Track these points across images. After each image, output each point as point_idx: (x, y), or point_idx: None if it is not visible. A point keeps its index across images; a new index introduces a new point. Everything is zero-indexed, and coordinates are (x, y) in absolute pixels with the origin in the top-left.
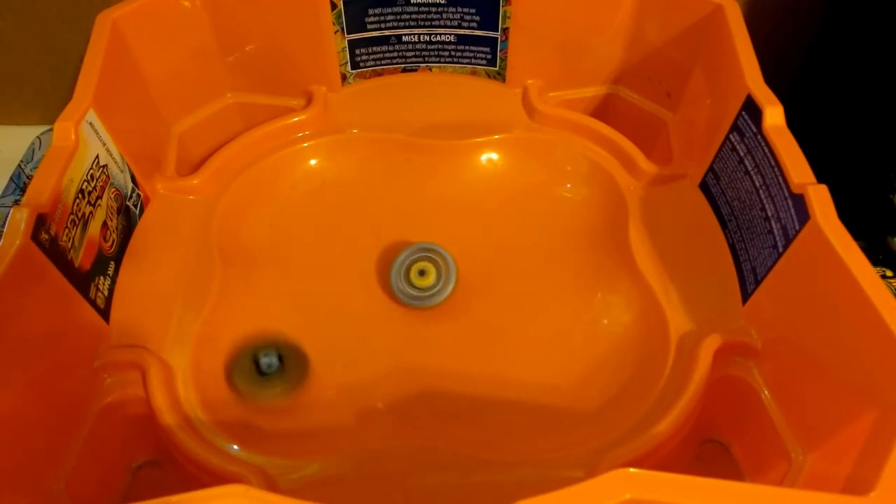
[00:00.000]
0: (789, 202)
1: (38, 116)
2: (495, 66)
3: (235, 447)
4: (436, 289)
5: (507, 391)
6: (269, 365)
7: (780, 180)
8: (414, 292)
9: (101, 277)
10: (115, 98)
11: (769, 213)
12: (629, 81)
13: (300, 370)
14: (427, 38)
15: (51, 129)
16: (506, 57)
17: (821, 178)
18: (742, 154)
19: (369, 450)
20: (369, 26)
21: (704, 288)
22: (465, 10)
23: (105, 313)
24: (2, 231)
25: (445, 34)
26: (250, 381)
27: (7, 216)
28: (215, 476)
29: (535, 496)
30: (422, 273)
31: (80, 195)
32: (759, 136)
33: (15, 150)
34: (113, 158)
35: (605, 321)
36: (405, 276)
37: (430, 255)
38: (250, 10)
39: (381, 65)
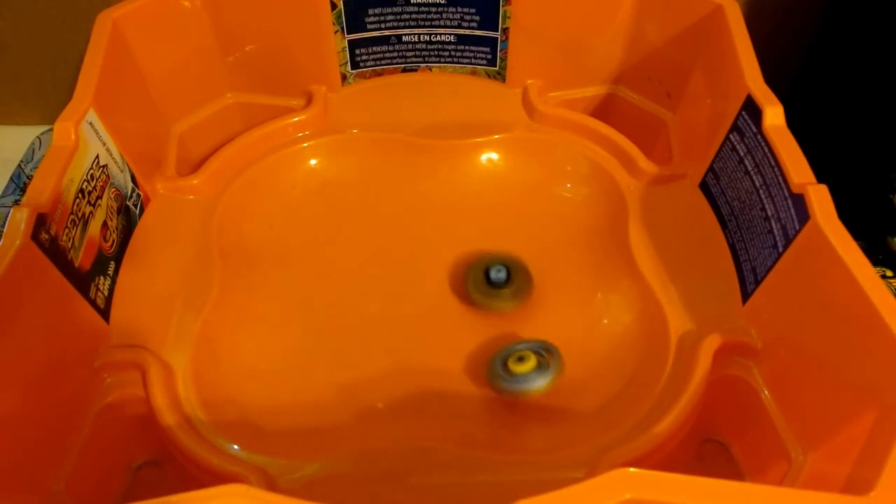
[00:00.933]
0: (789, 202)
1: (38, 116)
2: (495, 66)
3: (235, 447)
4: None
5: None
6: (499, 276)
7: (780, 180)
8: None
9: (101, 277)
10: (116, 98)
11: (769, 213)
12: (629, 81)
13: (526, 282)
14: (427, 37)
15: (51, 129)
16: (506, 57)
17: (821, 178)
18: (742, 154)
19: (369, 449)
20: (369, 26)
21: (704, 288)
22: (465, 9)
23: (105, 313)
24: (2, 231)
25: (445, 34)
26: (483, 291)
27: (7, 216)
28: (215, 476)
29: (535, 496)
30: (521, 360)
31: (80, 195)
32: (759, 136)
33: (15, 150)
34: (113, 158)
35: (606, 321)
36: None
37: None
38: (250, 10)
39: (381, 65)
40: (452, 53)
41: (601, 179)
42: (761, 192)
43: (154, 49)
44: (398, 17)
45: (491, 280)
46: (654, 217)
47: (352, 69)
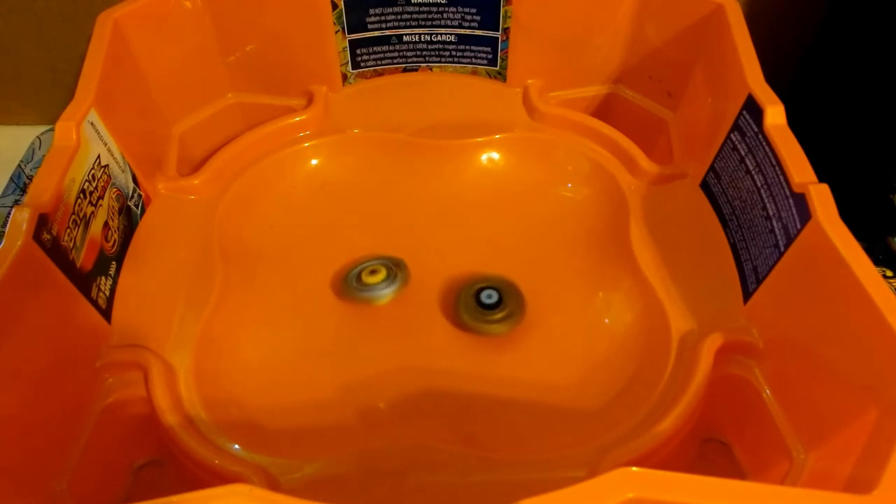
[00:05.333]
0: (790, 201)
1: (37, 116)
2: (496, 66)
3: (237, 447)
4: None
5: (509, 390)
6: (490, 298)
7: (782, 179)
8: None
9: (103, 277)
10: (117, 98)
11: (770, 213)
12: (630, 81)
13: (518, 302)
14: (428, 37)
15: (51, 129)
16: (506, 56)
17: (820, 179)
18: (743, 153)
19: (370, 449)
20: (370, 26)
21: (706, 287)
22: (466, 9)
23: (107, 313)
24: (3, 231)
25: (446, 34)
26: (475, 315)
27: (7, 216)
28: (217, 476)
29: (537, 496)
30: (373, 272)
31: (81, 195)
32: (760, 136)
33: (15, 150)
34: (114, 158)
35: (607, 320)
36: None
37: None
38: (251, 10)
39: (382, 65)
40: (453, 53)
41: (602, 179)
42: (762, 191)
43: (155, 49)
44: (399, 16)
45: (482, 304)
46: (656, 216)
47: (352, 69)
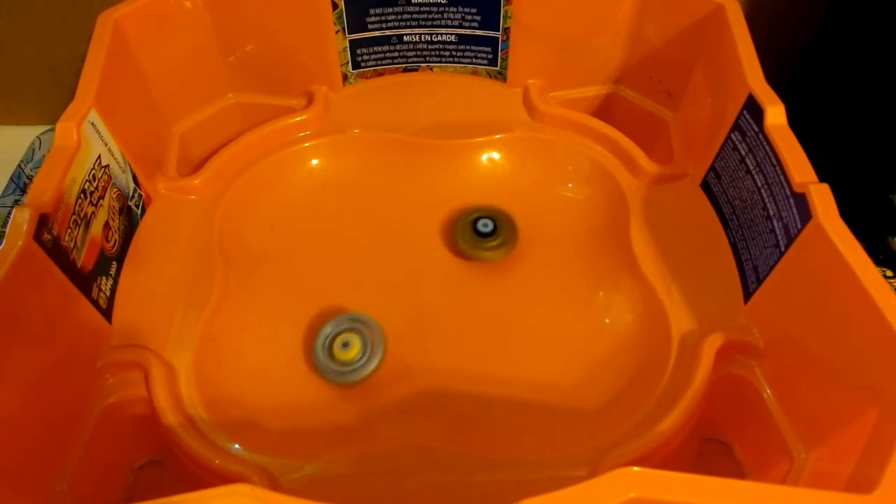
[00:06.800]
0: (791, 201)
1: (37, 116)
2: (496, 66)
3: (238, 447)
4: (360, 362)
5: (509, 390)
6: (486, 226)
7: (782, 179)
8: (336, 367)
9: (103, 277)
10: (117, 98)
11: (771, 213)
12: (630, 81)
13: (512, 231)
14: (428, 37)
15: (51, 129)
16: (507, 57)
17: (821, 179)
18: (743, 153)
19: (370, 449)
20: (370, 26)
21: (706, 287)
22: (467, 9)
23: (107, 313)
24: (3, 232)
25: (446, 34)
26: (471, 241)
27: (7, 216)
28: (218, 475)
29: (538, 495)
30: (345, 345)
31: (82, 195)
32: (760, 136)
33: (15, 150)
34: (115, 158)
35: (607, 320)
36: (328, 350)
37: (356, 325)
38: (251, 9)
39: (382, 65)
40: (453, 53)
41: (602, 179)
42: (763, 191)
43: (155, 49)
44: (399, 16)
45: (478, 231)
46: (656, 216)
47: (353, 69)
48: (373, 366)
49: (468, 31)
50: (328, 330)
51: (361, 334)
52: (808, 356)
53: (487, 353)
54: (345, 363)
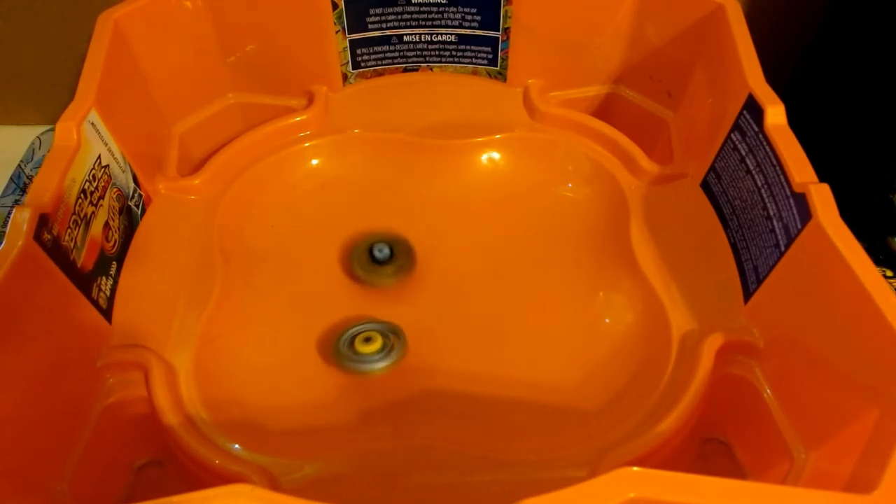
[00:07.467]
0: (791, 201)
1: (37, 116)
2: (496, 66)
3: (238, 447)
4: (375, 358)
5: (509, 390)
6: (382, 252)
7: (782, 179)
8: (351, 354)
9: (104, 278)
10: (117, 98)
11: (771, 213)
12: (630, 81)
13: (409, 258)
14: (428, 37)
15: (51, 129)
16: (507, 56)
17: (821, 178)
18: (743, 153)
19: (370, 449)
20: (370, 26)
21: (706, 287)
22: (467, 9)
23: (107, 313)
24: (3, 232)
25: (446, 34)
26: (367, 268)
27: (8, 216)
28: (218, 476)
29: (537, 496)
30: (368, 340)
31: (82, 195)
32: (760, 136)
33: (15, 150)
34: (115, 158)
35: (607, 320)
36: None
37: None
38: (252, 10)
39: (383, 65)
40: (453, 53)
41: (602, 179)
42: (763, 191)
43: (155, 49)
44: (399, 16)
45: (375, 258)
46: (656, 216)
47: (353, 69)
48: (384, 364)
49: (468, 31)
50: (360, 328)
51: (387, 338)
52: (809, 356)
53: (487, 353)
54: (361, 354)
